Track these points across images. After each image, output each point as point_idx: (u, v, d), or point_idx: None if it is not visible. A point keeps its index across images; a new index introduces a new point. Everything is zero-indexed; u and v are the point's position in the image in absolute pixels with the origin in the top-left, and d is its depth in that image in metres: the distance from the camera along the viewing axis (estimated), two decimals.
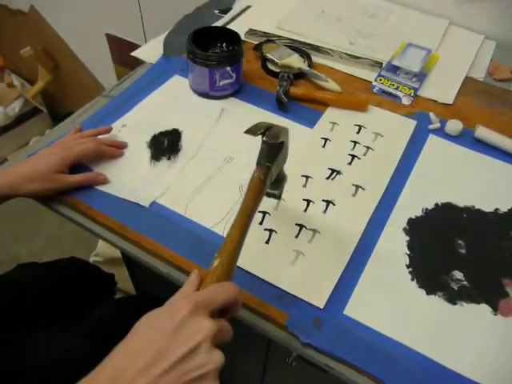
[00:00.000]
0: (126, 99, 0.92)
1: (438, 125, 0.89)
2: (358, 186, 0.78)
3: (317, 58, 1.04)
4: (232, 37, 0.92)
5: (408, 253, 0.70)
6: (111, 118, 0.88)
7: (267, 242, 0.69)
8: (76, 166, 0.76)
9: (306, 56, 1.03)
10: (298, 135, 0.86)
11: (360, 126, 0.89)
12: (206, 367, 0.39)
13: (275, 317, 0.61)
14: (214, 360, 0.40)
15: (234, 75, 0.90)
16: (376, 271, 0.67)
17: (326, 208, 0.75)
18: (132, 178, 0.77)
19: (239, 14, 1.19)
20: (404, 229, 0.73)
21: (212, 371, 0.39)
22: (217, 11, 1.21)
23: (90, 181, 0.75)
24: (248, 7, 1.21)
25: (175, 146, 0.83)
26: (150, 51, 1.05)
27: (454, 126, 0.88)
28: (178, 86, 0.95)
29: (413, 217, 0.74)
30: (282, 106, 0.91)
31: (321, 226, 0.72)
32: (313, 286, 0.64)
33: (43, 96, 2.33)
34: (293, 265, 0.67)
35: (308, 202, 0.75)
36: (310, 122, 0.89)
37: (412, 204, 0.76)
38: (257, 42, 1.06)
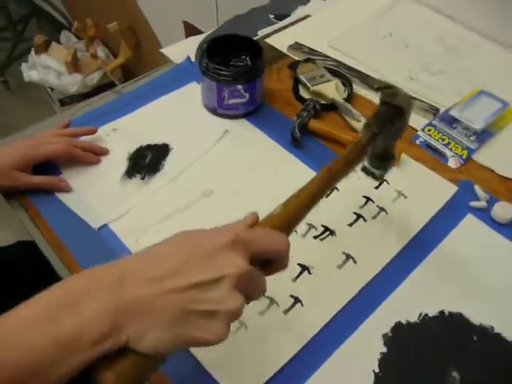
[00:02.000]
0: (133, 99, 0.84)
1: (483, 203, 0.69)
2: (348, 256, 0.62)
3: (360, 89, 0.87)
4: (257, 50, 0.79)
5: (377, 371, 0.53)
6: (106, 119, 0.80)
7: None
8: (45, 165, 0.69)
9: (348, 84, 0.86)
10: (302, 177, 0.71)
11: (382, 180, 0.72)
12: (219, 304, 0.35)
13: None
14: (231, 301, 0.35)
15: (247, 95, 0.77)
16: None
17: (299, 275, 0.60)
18: (96, 193, 0.69)
19: (294, 23, 1.05)
20: (384, 335, 0.56)
21: (224, 312, 0.35)
22: (272, 16, 1.08)
23: (50, 185, 0.68)
24: (307, 16, 1.07)
25: (156, 165, 0.73)
26: (182, 50, 0.96)
27: (506, 210, 0.67)
28: (190, 96, 0.85)
29: (403, 321, 0.57)
30: (294, 140, 0.76)
31: (281, 297, 0.58)
32: (240, 371, 0.51)
33: (123, 71, 2.37)
34: (232, 334, 0.54)
35: None
36: (321, 165, 0.74)
37: (409, 301, 0.59)
38: (298, 59, 0.92)
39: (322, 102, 0.82)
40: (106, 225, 0.65)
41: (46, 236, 0.64)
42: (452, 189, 0.71)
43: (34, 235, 0.65)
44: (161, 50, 0.97)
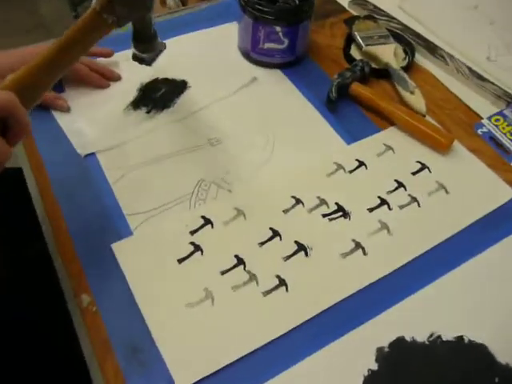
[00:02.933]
0: (165, 29, 0.74)
1: None
2: (358, 245, 0.51)
3: (423, 59, 0.73)
4: None
5: None
6: (129, 45, 0.71)
7: None
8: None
9: (410, 51, 0.72)
10: (327, 142, 0.60)
11: (423, 166, 0.59)
12: None
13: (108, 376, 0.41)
14: None
15: (286, 41, 0.66)
16: None
17: (293, 254, 0.50)
18: (93, 118, 0.62)
19: None
20: (379, 350, 0.44)
21: None
22: None
23: (47, 102, 0.61)
24: None
25: (167, 101, 0.64)
26: None
27: None
28: (227, 35, 0.74)
29: (407, 337, 0.45)
30: (329, 101, 0.64)
31: (264, 274, 0.48)
32: (191, 351, 0.42)
33: None
34: (193, 306, 0.45)
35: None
36: (355, 136, 0.62)
37: (421, 316, 0.47)
38: (357, 15, 0.78)
39: (374, 65, 0.69)
40: (93, 154, 0.57)
41: (28, 153, 0.57)
42: (508, 194, 0.57)
43: (17, 151, 0.58)
44: None
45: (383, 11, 0.80)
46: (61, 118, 0.61)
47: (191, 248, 0.49)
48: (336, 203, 0.55)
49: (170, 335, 0.43)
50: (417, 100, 0.65)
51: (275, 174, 0.57)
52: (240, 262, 0.49)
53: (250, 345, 0.43)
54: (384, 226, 0.53)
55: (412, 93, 0.65)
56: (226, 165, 0.57)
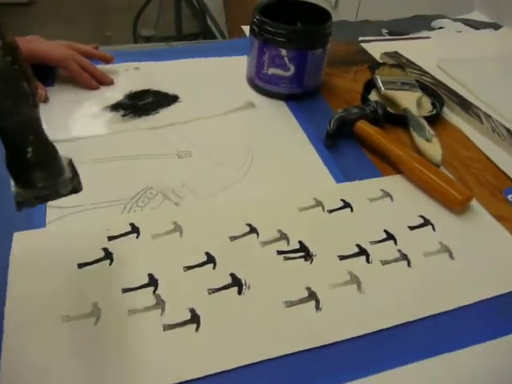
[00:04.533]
0: (177, 53, 0.73)
1: None
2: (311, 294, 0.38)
3: (453, 116, 0.63)
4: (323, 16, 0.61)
5: None
6: (136, 59, 0.69)
7: None
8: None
9: (438, 104, 0.63)
10: (310, 182, 0.50)
11: (426, 222, 0.47)
12: None
13: None
14: None
15: (292, 68, 0.59)
16: None
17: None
18: (67, 112, 0.57)
19: (408, 39, 0.85)
20: None
21: None
22: (386, 31, 0.90)
23: None
24: (426, 38, 0.86)
25: (149, 109, 0.58)
26: None
27: None
28: (236, 66, 0.69)
29: None
30: (326, 137, 0.55)
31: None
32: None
33: None
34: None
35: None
36: (350, 178, 0.51)
37: None
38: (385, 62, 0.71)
39: (391, 110, 0.60)
40: None
41: None
42: None
43: None
44: (242, 27, 0.85)
45: (416, 65, 0.72)
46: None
47: (101, 254, 0.40)
48: (299, 242, 0.43)
49: (24, 348, 0.32)
50: (433, 148, 0.54)
51: (237, 196, 0.48)
52: (152, 282, 0.38)
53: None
54: (354, 280, 0.40)
55: (428, 140, 0.54)
56: (184, 177, 0.49)
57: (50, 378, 0.31)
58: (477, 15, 0.97)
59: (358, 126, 0.56)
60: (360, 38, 0.84)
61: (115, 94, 0.61)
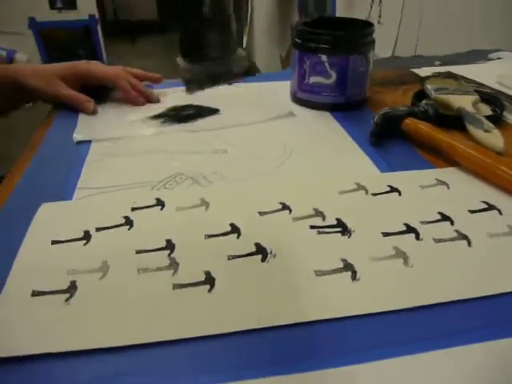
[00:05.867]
0: None
1: None
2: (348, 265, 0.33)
3: None
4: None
5: None
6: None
7: None
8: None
9: (498, 107, 0.59)
10: (352, 171, 0.47)
11: (491, 206, 0.41)
12: None
13: None
14: None
15: (334, 75, 0.59)
16: None
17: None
18: (111, 121, 0.60)
19: (463, 64, 0.83)
20: None
21: None
22: (438, 62, 0.89)
23: (77, 102, 0.62)
24: (498, 59, 0.84)
25: (188, 118, 0.60)
26: None
27: None
28: (284, 86, 0.70)
29: None
30: (371, 134, 0.53)
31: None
32: None
33: None
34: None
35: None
36: (397, 168, 0.48)
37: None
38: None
39: (443, 112, 0.56)
40: (88, 143, 0.54)
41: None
42: None
43: None
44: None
45: (472, 80, 0.69)
46: (82, 118, 0.61)
47: (121, 221, 0.38)
48: (337, 219, 0.39)
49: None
50: (493, 137, 0.49)
51: (271, 180, 0.45)
52: (169, 246, 0.35)
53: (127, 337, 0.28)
54: (400, 255, 0.35)
55: (487, 131, 0.50)
56: (217, 166, 0.48)
57: (56, 328, 0.29)
58: None
59: (405, 123, 0.53)
60: (412, 67, 0.83)
61: (159, 108, 0.64)
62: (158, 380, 0.26)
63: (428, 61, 0.89)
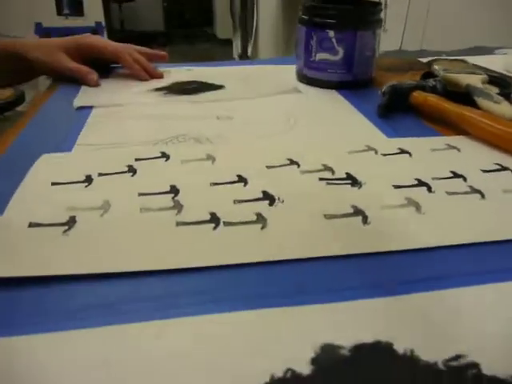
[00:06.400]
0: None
1: None
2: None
3: None
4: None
5: None
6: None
7: None
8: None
9: (506, 87, 0.58)
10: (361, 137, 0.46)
11: (505, 168, 0.40)
12: None
13: None
14: None
15: (341, 51, 0.59)
16: None
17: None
18: (114, 91, 0.59)
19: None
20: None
21: None
22: (445, 56, 0.89)
23: (80, 74, 0.62)
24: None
25: (191, 91, 0.60)
26: None
27: None
28: (291, 69, 0.70)
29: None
30: (379, 107, 0.52)
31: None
32: None
33: None
34: None
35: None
36: (406, 136, 0.47)
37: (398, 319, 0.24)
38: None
39: (451, 89, 0.56)
40: (89, 109, 0.53)
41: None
42: None
43: None
44: None
45: (481, 66, 0.70)
46: (85, 87, 0.60)
47: (125, 169, 0.37)
48: (347, 173, 0.38)
49: None
50: (503, 107, 0.48)
51: (278, 139, 0.45)
52: (173, 191, 0.35)
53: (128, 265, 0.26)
54: (413, 203, 0.34)
55: (496, 102, 0.49)
56: (221, 130, 0.47)
57: (51, 254, 0.28)
58: None
59: (413, 96, 0.53)
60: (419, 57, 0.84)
61: (163, 83, 0.63)
62: (152, 307, 0.25)
63: (435, 54, 0.90)
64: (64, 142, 0.44)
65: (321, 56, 0.61)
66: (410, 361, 0.21)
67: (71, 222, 0.30)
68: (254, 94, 0.59)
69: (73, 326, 0.23)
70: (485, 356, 0.22)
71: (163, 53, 0.69)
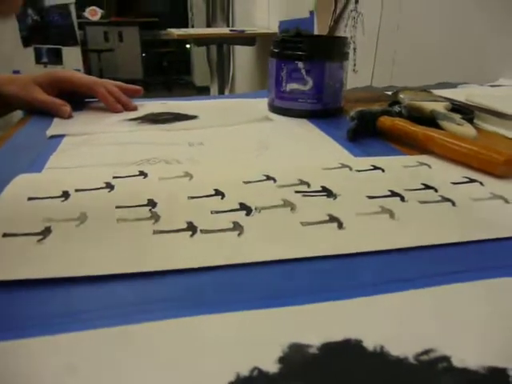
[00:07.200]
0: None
1: None
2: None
3: (486, 125, 0.62)
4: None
5: None
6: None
7: None
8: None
9: (468, 114, 0.63)
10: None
11: (473, 180, 0.43)
12: None
13: None
14: None
15: (310, 81, 0.63)
16: None
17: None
18: (86, 122, 0.61)
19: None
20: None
21: None
22: None
23: (54, 106, 0.63)
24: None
25: (166, 121, 0.61)
26: None
27: None
28: (262, 103, 0.73)
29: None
30: (348, 131, 0.55)
31: None
32: None
33: None
34: None
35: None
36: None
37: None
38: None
39: (416, 115, 0.60)
40: (61, 137, 0.54)
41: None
42: None
43: None
44: None
45: (442, 96, 0.74)
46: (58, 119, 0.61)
47: (102, 185, 0.38)
48: (322, 186, 0.40)
49: None
50: (465, 129, 0.52)
51: (253, 161, 0.46)
52: (150, 203, 0.35)
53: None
54: (387, 211, 0.36)
55: (459, 124, 0.53)
56: (192, 154, 0.48)
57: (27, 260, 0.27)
58: (503, 82, 1.02)
59: (381, 121, 0.56)
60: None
61: (136, 114, 0.65)
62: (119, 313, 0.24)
63: (401, 89, 0.95)
64: (34, 165, 0.44)
65: (291, 86, 0.64)
66: (381, 357, 0.22)
67: (46, 232, 0.30)
68: (227, 122, 0.61)
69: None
70: (455, 349, 0.22)
71: (138, 87, 0.71)
